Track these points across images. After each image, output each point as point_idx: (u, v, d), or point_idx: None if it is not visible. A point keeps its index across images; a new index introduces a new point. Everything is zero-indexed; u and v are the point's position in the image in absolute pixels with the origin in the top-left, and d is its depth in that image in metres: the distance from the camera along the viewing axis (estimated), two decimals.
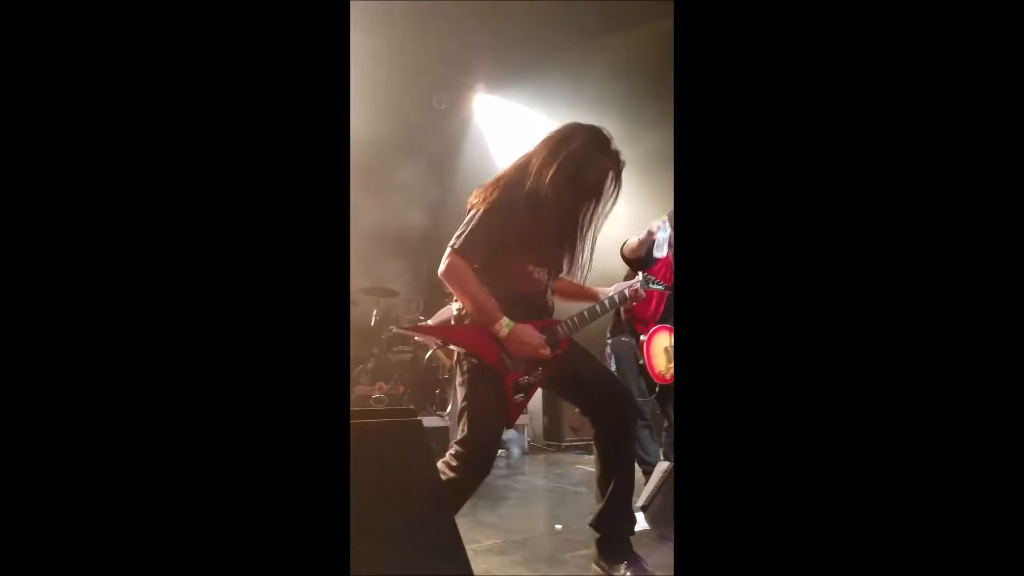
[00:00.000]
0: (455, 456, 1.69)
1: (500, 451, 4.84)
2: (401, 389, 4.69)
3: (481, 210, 1.68)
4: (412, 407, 4.38)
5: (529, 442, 5.19)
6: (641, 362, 3.02)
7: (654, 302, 3.10)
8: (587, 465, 4.20)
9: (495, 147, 6.20)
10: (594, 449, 1.88)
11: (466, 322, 1.72)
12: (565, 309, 1.93)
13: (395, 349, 4.97)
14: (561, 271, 1.86)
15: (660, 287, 2.02)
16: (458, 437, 1.71)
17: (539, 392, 5.38)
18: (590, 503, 2.88)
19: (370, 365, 4.84)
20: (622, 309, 3.10)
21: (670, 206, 2.99)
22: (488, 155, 6.16)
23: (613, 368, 3.11)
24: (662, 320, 3.11)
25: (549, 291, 1.84)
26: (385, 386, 4.62)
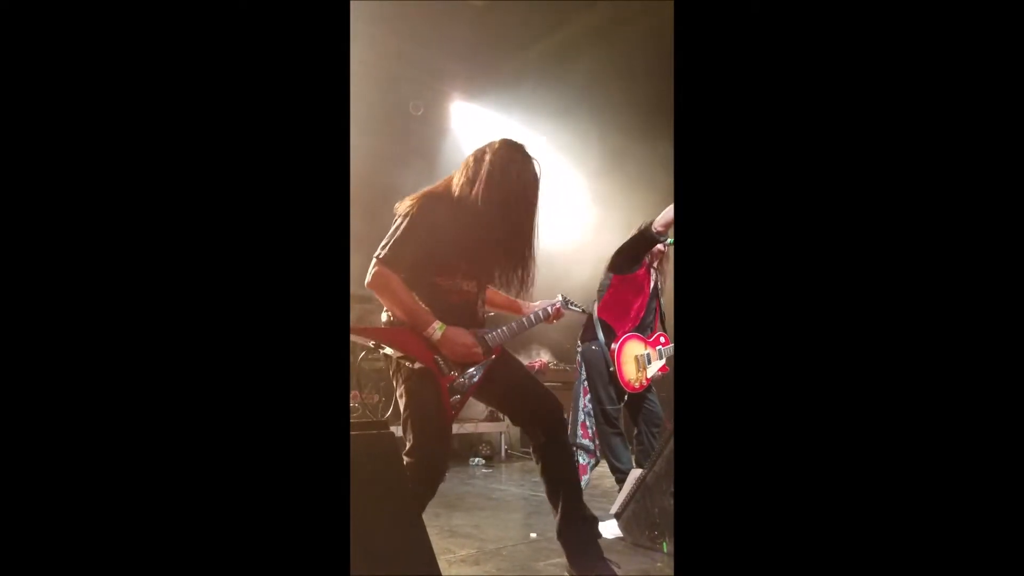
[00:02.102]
0: (407, 467, 1.66)
1: (476, 459, 4.84)
2: (376, 398, 4.64)
3: (405, 222, 1.72)
4: (386, 418, 4.34)
5: (506, 449, 5.18)
6: (612, 369, 3.04)
7: (635, 307, 3.12)
8: None
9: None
10: (537, 461, 1.88)
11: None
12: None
13: (370, 357, 4.92)
14: (492, 282, 1.91)
15: (578, 310, 2.14)
16: (406, 448, 1.70)
17: None
18: None
19: None
20: (595, 311, 3.12)
21: (652, 210, 3.02)
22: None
23: (583, 375, 3.12)
24: (639, 327, 3.14)
25: (480, 302, 1.88)
26: (359, 395, 4.57)
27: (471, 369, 1.76)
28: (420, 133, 5.90)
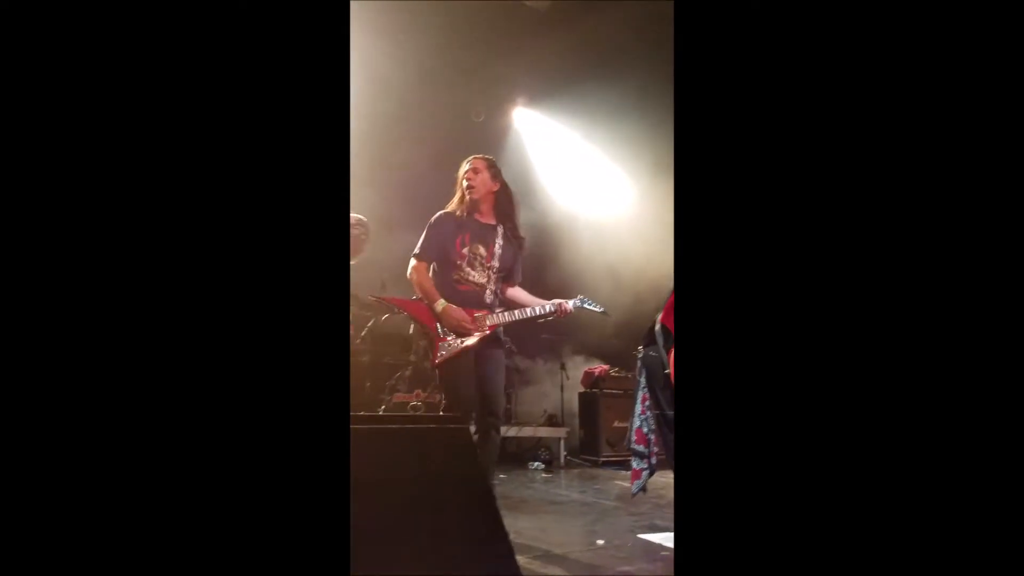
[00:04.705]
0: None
1: (535, 463, 4.82)
2: (437, 397, 4.69)
3: (429, 223, 2.45)
4: (460, 414, 4.37)
5: (565, 456, 5.14)
6: (666, 371, 2.97)
7: None
8: (624, 481, 4.13)
9: (535, 159, 6.23)
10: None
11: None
12: None
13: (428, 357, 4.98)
14: (512, 280, 2.54)
15: (596, 309, 2.53)
16: None
17: (575, 404, 5.35)
18: (629, 520, 2.82)
19: (407, 372, 4.86)
20: (659, 318, 3.06)
21: None
22: (528, 167, 6.19)
23: (643, 381, 3.07)
24: None
25: (488, 292, 2.43)
26: (423, 393, 4.63)
27: (461, 339, 2.35)
28: (482, 139, 5.96)
